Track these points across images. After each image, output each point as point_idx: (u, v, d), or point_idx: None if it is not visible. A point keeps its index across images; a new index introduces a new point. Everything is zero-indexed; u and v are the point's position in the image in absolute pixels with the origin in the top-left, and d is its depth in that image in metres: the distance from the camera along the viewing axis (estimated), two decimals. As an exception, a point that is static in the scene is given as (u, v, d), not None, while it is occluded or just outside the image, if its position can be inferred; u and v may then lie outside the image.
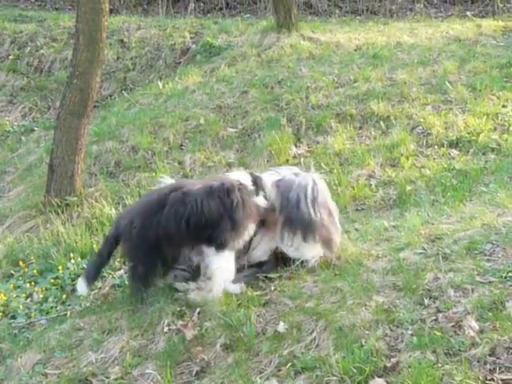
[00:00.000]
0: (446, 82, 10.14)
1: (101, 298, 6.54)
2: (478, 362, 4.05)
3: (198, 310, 5.32)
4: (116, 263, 7.29)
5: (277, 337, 4.78)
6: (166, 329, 5.22)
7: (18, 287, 7.19)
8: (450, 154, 8.38)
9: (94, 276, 5.99)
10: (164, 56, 14.35)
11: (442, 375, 3.99)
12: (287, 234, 5.49)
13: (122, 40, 14.92)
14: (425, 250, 5.42)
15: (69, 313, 6.31)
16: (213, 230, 5.37)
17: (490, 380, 3.89)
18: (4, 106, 13.94)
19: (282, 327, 4.83)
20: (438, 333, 4.32)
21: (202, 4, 18.37)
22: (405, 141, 8.74)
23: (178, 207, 5.40)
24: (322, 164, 8.63)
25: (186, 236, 5.45)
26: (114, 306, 5.87)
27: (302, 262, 5.55)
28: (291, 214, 5.47)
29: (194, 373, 4.78)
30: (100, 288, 6.87)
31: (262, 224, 5.59)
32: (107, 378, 4.96)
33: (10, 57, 15.06)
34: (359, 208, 7.62)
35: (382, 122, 9.37)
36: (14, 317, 6.65)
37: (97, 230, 8.01)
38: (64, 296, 6.86)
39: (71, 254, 7.42)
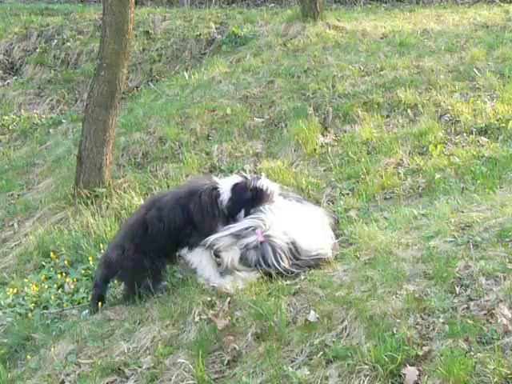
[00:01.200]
0: (474, 69, 10.04)
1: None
2: (511, 350, 4.04)
3: (228, 299, 5.35)
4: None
5: (307, 326, 4.80)
6: (196, 318, 5.26)
7: (50, 278, 7.27)
8: (478, 141, 8.30)
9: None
10: (190, 47, 14.38)
11: (475, 363, 3.98)
12: None
13: (147, 31, 14.97)
14: (455, 238, 5.39)
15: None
16: (184, 235, 5.89)
17: (523, 368, 3.88)
18: (32, 99, 14.05)
19: (312, 316, 4.84)
20: (469, 321, 4.31)
21: (226, -6, 18.36)
22: (433, 129, 8.67)
23: (157, 224, 5.93)
24: (350, 153, 8.59)
25: (171, 246, 6.03)
26: (145, 296, 5.91)
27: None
28: None
29: (226, 362, 4.82)
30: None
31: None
32: (139, 367, 5.02)
33: (37, 50, 15.19)
34: (388, 197, 7.58)
35: (409, 110, 9.30)
36: (46, 307, 6.73)
37: (125, 220, 8.06)
38: (95, 286, 6.91)
39: (101, 245, 7.47)
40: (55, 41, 15.30)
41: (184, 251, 5.95)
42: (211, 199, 5.87)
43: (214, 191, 5.91)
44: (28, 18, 15.98)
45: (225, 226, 5.80)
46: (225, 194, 5.87)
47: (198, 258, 5.83)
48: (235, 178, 6.09)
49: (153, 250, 5.93)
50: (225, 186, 5.95)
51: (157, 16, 15.52)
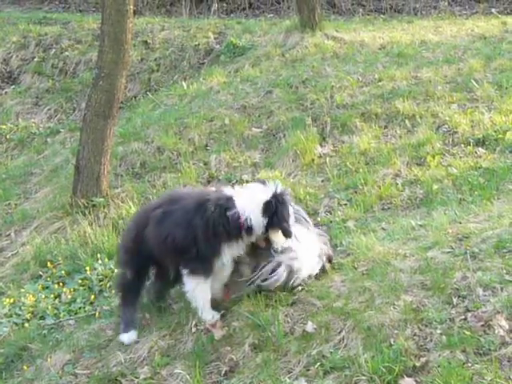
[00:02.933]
0: (472, 80, 10.07)
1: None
2: (509, 361, 4.04)
3: (225, 310, 5.34)
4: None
5: (305, 337, 4.78)
6: (193, 329, 5.24)
7: (47, 288, 7.26)
8: (476, 152, 8.32)
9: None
10: (188, 57, 14.39)
11: (472, 375, 3.97)
12: None
13: (146, 41, 14.99)
14: (453, 248, 5.39)
15: (97, 313, 6.35)
16: (184, 256, 5.17)
17: (520, 379, 3.87)
18: (30, 108, 14.04)
19: (310, 327, 4.83)
20: (467, 332, 4.31)
21: (225, 4, 18.39)
22: (431, 139, 8.69)
23: (157, 227, 5.25)
24: (348, 163, 8.60)
25: (167, 254, 5.32)
26: (142, 306, 5.89)
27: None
28: None
29: (223, 372, 4.80)
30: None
31: None
32: (136, 377, 5.00)
33: (35, 59, 15.18)
34: (386, 207, 7.59)
35: (407, 121, 9.32)
36: (42, 317, 6.71)
37: (123, 230, 8.05)
38: (92, 296, 6.91)
39: (98, 255, 7.47)
40: (53, 50, 15.29)
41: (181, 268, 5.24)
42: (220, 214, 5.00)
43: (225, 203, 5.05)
44: (26, 27, 15.99)
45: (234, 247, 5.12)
46: (247, 210, 5.01)
47: (192, 287, 5.21)
48: (257, 188, 5.18)
49: (145, 246, 5.38)
50: (245, 198, 5.08)
51: (155, 26, 15.55)
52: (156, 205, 5.48)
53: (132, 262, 5.54)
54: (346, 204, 7.73)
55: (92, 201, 8.51)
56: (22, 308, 6.83)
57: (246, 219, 4.97)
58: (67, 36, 15.65)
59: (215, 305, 5.30)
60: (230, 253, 5.11)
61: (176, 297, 5.83)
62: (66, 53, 15.17)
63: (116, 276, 6.10)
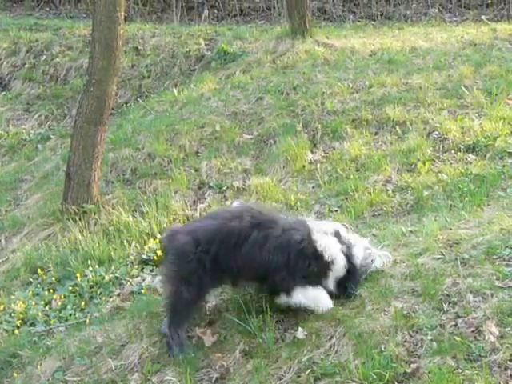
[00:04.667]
0: (462, 87, 10.10)
1: (119, 304, 6.57)
2: (499, 367, 4.05)
3: (215, 316, 5.34)
4: (134, 270, 7.33)
5: (296, 343, 4.79)
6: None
7: (37, 294, 7.24)
8: (466, 158, 8.34)
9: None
10: (179, 63, 14.37)
11: (463, 381, 3.99)
12: None
13: (136, 48, 14.97)
14: (443, 255, 5.40)
15: (87, 320, 6.33)
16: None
17: (511, 385, 3.88)
18: (20, 115, 14.00)
19: (300, 333, 4.84)
20: (457, 338, 4.32)
21: (216, 11, 18.40)
22: (421, 146, 8.71)
23: (258, 251, 5.06)
24: (339, 170, 8.62)
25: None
26: (132, 313, 5.88)
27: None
28: None
29: (214, 379, 4.80)
30: (118, 295, 6.91)
31: None
32: (127, 385, 4.99)
33: (26, 65, 15.12)
34: (376, 213, 7.60)
35: (397, 127, 9.34)
36: (33, 324, 6.70)
37: (114, 237, 8.04)
38: (82, 303, 6.90)
39: (89, 262, 7.46)
40: (44, 56, 15.24)
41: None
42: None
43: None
44: (17, 33, 15.94)
45: None
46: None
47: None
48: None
49: (230, 264, 5.16)
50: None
51: (146, 32, 15.53)
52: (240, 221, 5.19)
53: (198, 280, 5.12)
54: (336, 210, 7.75)
55: (83, 207, 8.50)
56: (13, 315, 6.82)
57: None
58: (58, 42, 15.60)
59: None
60: None
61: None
62: (57, 59, 15.12)
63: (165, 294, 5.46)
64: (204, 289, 5.20)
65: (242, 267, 5.09)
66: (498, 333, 4.28)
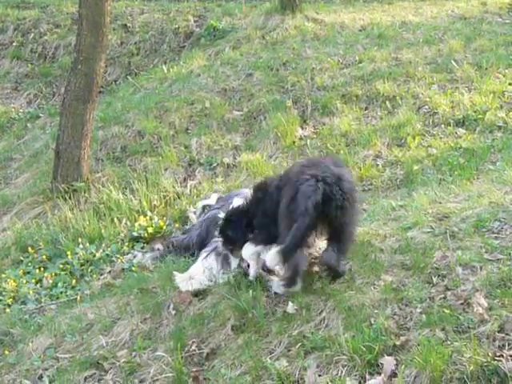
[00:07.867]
0: (452, 61, 10.08)
1: (110, 282, 6.58)
2: (487, 338, 4.06)
3: (206, 292, 5.35)
4: (124, 248, 7.33)
5: (286, 317, 4.80)
6: (173, 311, 5.25)
7: (28, 273, 7.24)
8: (456, 132, 8.35)
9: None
10: (168, 40, 14.31)
11: (452, 352, 4.00)
12: None
13: (125, 25, 14.88)
14: (432, 228, 5.41)
15: (78, 297, 6.34)
16: None
17: (499, 356, 3.90)
18: (9, 93, 13.95)
19: (291, 308, 4.84)
20: (446, 310, 4.33)
21: (204, -13, 18.27)
22: (411, 120, 8.72)
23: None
24: (329, 145, 8.62)
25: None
26: (123, 290, 5.89)
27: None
28: None
29: (205, 355, 4.81)
30: (109, 272, 6.92)
31: None
32: (118, 361, 5.00)
33: (14, 44, 15.04)
34: (366, 188, 7.62)
35: (387, 102, 9.34)
36: (24, 302, 6.70)
37: (104, 214, 8.04)
38: (73, 281, 6.91)
39: (79, 240, 7.46)
40: (32, 34, 15.15)
41: None
42: None
43: None
44: (4, 11, 15.82)
45: None
46: None
47: None
48: None
49: None
50: None
51: (135, 9, 15.43)
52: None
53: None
54: (326, 186, 7.74)
55: (72, 185, 8.48)
56: (4, 293, 6.83)
57: None
58: (46, 20, 15.50)
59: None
60: None
61: (157, 279, 5.83)
62: (45, 37, 15.04)
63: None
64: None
65: None
66: (486, 305, 4.29)
